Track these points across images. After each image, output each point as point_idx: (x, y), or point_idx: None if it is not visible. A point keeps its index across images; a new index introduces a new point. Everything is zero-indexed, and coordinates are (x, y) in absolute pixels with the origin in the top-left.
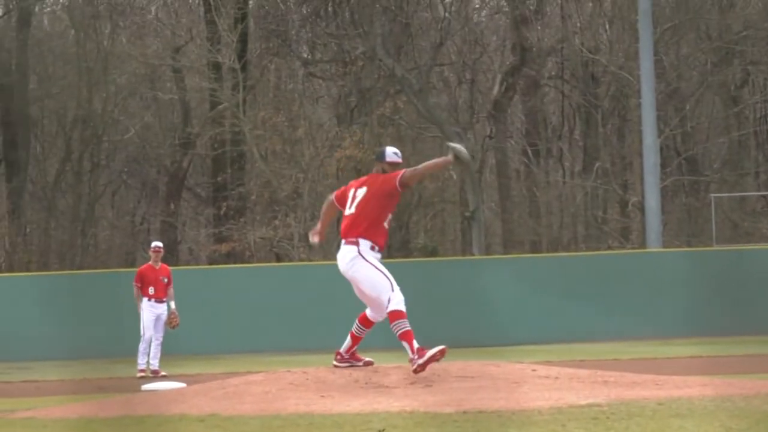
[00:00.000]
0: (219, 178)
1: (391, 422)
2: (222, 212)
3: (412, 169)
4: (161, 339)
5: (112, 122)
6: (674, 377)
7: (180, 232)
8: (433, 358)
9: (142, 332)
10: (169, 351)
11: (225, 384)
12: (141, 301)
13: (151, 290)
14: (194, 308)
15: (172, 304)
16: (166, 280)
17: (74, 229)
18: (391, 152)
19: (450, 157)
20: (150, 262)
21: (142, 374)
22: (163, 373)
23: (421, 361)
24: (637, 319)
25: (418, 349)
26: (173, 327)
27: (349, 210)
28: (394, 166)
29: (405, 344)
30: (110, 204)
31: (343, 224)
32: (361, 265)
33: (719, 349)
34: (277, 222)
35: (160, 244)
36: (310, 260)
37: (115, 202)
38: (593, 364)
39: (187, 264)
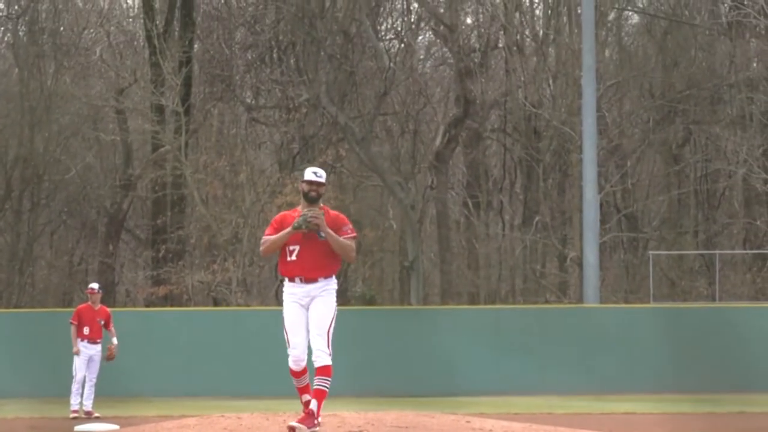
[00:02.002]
0: (159, 221)
1: None
2: (161, 255)
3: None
4: (95, 380)
5: (53, 162)
6: None
7: (118, 273)
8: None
9: (74, 372)
10: (103, 392)
11: (159, 427)
12: (77, 342)
13: (86, 330)
14: (130, 350)
15: (114, 340)
16: (102, 322)
17: (12, 268)
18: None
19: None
20: (89, 302)
21: (75, 415)
22: (96, 415)
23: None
24: (573, 374)
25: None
26: (109, 359)
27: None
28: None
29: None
30: (49, 243)
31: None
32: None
33: (653, 406)
34: (215, 266)
35: (96, 286)
36: (248, 305)
37: (53, 241)
38: (527, 418)
39: (124, 306)
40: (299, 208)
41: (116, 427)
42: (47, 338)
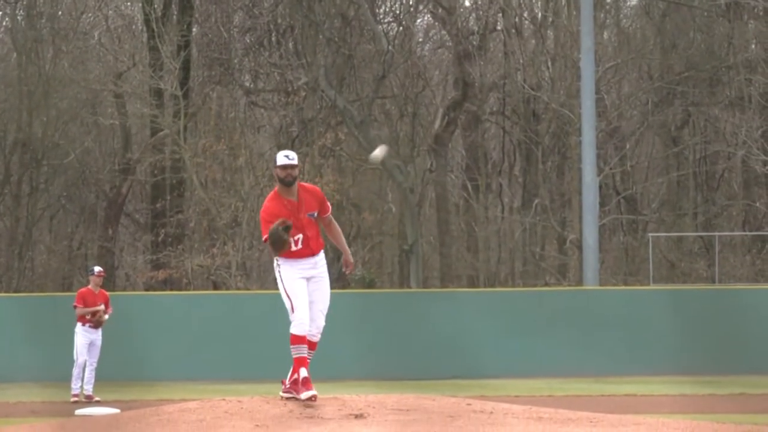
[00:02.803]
0: (158, 205)
1: None
2: (160, 239)
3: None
4: (95, 364)
5: (52, 146)
6: (609, 415)
7: (117, 257)
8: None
9: (75, 357)
10: (103, 376)
11: (160, 411)
12: (94, 312)
13: (87, 315)
14: (130, 334)
15: (106, 316)
16: (102, 306)
17: (11, 253)
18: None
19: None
20: (90, 286)
21: (76, 399)
22: (97, 399)
23: (283, 393)
24: (573, 356)
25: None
26: (99, 322)
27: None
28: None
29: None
30: (48, 228)
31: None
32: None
33: (653, 388)
34: (215, 250)
35: (102, 269)
36: (248, 289)
37: (53, 226)
38: (528, 400)
39: (124, 290)
40: (277, 190)
41: (117, 411)
42: (47, 322)
